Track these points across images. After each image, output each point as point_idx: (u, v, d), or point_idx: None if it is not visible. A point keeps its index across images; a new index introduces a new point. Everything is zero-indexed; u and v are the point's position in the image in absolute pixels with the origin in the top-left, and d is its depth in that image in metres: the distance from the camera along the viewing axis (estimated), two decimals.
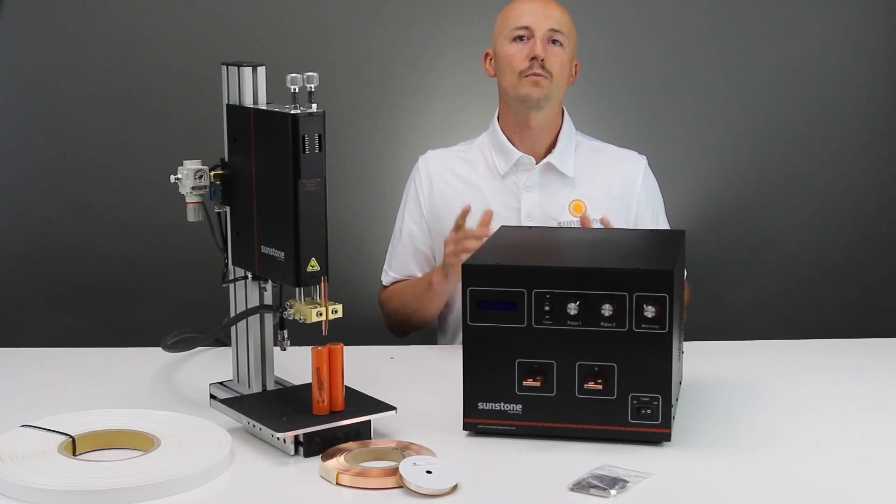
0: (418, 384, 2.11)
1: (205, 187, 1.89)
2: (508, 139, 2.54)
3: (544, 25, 2.46)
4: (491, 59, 2.56)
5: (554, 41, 2.46)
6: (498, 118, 2.58)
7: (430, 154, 2.63)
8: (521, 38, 2.46)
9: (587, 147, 2.59)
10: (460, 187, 2.55)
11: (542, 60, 2.44)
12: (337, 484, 1.64)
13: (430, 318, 2.54)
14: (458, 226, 2.32)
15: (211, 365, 2.22)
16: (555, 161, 2.52)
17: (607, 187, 2.55)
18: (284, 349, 1.88)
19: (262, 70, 1.84)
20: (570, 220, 2.50)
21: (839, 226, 3.26)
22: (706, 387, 2.06)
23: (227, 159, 1.89)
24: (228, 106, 1.86)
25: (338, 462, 1.68)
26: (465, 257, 2.02)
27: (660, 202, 2.63)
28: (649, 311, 1.74)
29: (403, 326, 2.61)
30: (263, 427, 1.77)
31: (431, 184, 2.58)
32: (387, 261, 2.65)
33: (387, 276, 2.63)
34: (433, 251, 2.58)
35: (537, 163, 2.53)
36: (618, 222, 2.51)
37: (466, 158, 2.59)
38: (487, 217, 2.33)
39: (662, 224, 2.61)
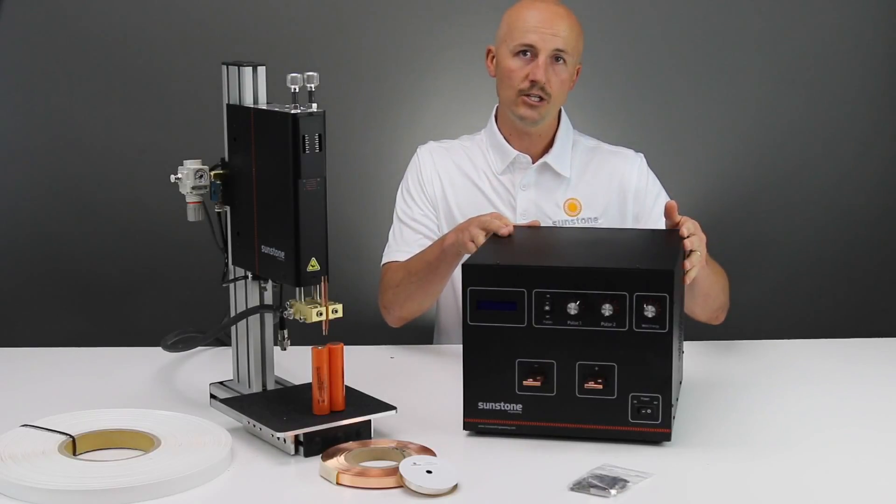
0: (418, 384, 2.11)
1: (205, 187, 1.89)
2: (506, 139, 2.53)
3: (550, 45, 2.40)
4: (493, 58, 2.53)
5: (557, 58, 2.42)
6: (496, 115, 2.57)
7: (431, 144, 2.60)
8: (524, 52, 2.42)
9: (583, 146, 2.59)
10: (458, 180, 2.54)
11: (543, 84, 2.40)
12: (337, 484, 1.64)
13: (431, 293, 2.40)
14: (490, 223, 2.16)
15: (211, 365, 2.22)
16: (551, 161, 2.52)
17: (603, 186, 2.54)
18: (284, 349, 1.89)
19: (262, 70, 1.85)
20: (564, 219, 2.50)
21: (839, 226, 3.26)
22: (706, 387, 2.06)
23: (227, 159, 1.89)
24: (228, 106, 1.86)
25: (338, 462, 1.68)
26: (477, 232, 2.12)
27: (662, 194, 2.58)
28: (649, 311, 1.74)
29: (402, 305, 2.42)
30: (263, 427, 1.77)
31: (434, 169, 2.53)
32: (392, 246, 2.52)
33: (401, 255, 2.47)
34: (440, 230, 2.51)
35: (534, 162, 2.53)
36: (614, 221, 2.51)
37: (466, 153, 2.58)
38: (534, 223, 2.23)
39: None
